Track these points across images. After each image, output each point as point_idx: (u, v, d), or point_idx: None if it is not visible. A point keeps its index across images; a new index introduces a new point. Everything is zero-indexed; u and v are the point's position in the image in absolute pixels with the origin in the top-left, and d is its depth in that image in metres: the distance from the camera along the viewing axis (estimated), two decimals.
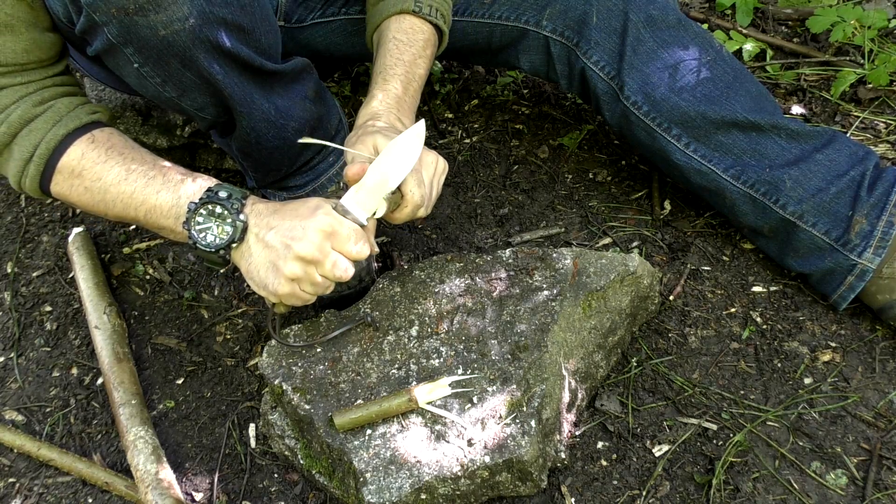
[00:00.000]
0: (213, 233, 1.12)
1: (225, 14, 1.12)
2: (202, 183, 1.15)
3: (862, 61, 1.90)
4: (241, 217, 1.12)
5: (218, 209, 1.12)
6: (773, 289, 1.50)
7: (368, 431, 1.19)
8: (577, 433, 1.32)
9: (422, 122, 1.17)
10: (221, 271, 1.61)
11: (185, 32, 1.10)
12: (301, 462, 1.27)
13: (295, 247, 1.09)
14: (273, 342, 1.30)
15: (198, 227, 1.13)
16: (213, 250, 1.13)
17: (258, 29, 1.19)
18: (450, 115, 1.93)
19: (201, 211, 1.12)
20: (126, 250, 1.69)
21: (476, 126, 1.89)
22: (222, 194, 1.12)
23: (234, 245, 1.13)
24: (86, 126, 1.19)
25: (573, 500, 1.24)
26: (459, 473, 1.14)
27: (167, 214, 1.16)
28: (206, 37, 1.12)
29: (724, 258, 1.56)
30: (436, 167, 1.24)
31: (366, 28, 1.42)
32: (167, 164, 1.19)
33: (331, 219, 1.10)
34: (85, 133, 1.19)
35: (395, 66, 1.31)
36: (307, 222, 1.10)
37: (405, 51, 1.33)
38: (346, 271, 1.12)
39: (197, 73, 1.17)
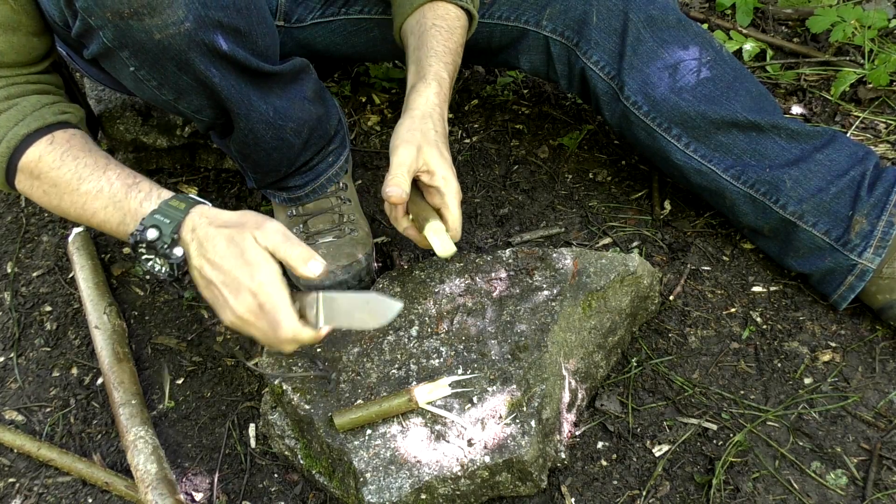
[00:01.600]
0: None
1: (221, 17, 1.12)
2: (142, 205, 1.13)
3: (862, 61, 1.90)
4: (177, 252, 1.11)
5: (151, 253, 1.12)
6: (773, 289, 1.50)
7: (368, 431, 1.19)
8: (577, 433, 1.32)
9: (400, 306, 1.12)
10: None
11: (180, 36, 1.10)
12: (301, 462, 1.27)
13: (231, 302, 1.08)
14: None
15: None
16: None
17: (255, 31, 1.19)
18: (450, 115, 1.93)
19: (140, 248, 1.12)
20: (126, 250, 1.69)
21: (476, 126, 1.90)
22: (151, 235, 1.10)
23: (181, 273, 1.13)
24: (49, 126, 1.19)
25: (573, 500, 1.24)
26: (459, 473, 1.14)
27: (117, 231, 1.16)
28: (202, 40, 1.12)
29: (724, 258, 1.56)
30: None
31: (393, 21, 1.42)
32: (113, 172, 1.16)
33: (266, 291, 1.06)
34: (46, 134, 1.18)
35: (445, 53, 1.32)
36: (244, 282, 1.06)
37: (449, 38, 1.34)
38: (283, 345, 1.10)
39: (193, 77, 1.17)
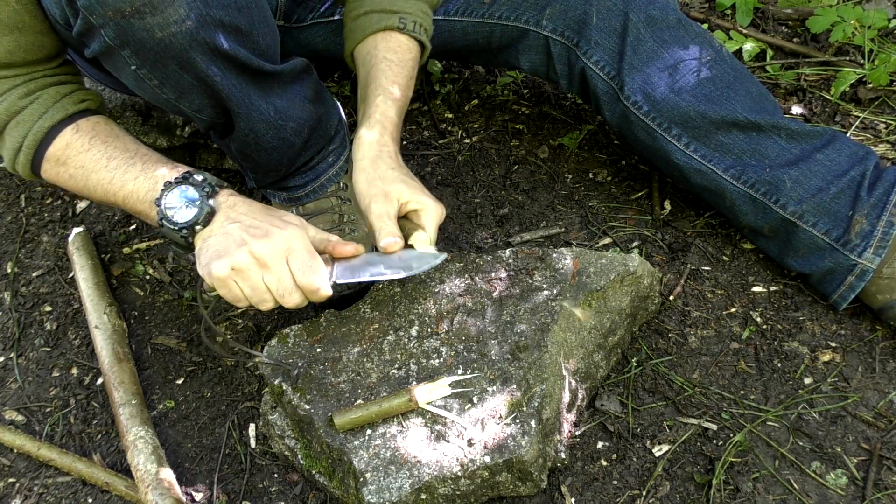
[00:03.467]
0: (180, 213, 1.15)
1: (222, 16, 1.12)
2: (181, 169, 1.19)
3: (862, 61, 1.90)
4: (211, 202, 1.16)
5: (190, 191, 1.15)
6: (773, 289, 1.50)
7: (368, 431, 1.19)
8: (577, 433, 1.32)
9: (444, 256, 1.25)
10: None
11: (182, 35, 1.10)
12: (301, 462, 1.27)
13: (251, 242, 1.11)
14: (273, 342, 1.30)
15: (168, 206, 1.15)
16: (176, 229, 1.15)
17: (256, 30, 1.19)
18: (450, 115, 1.93)
19: (174, 190, 1.15)
20: (126, 250, 1.69)
21: (476, 126, 1.90)
22: (198, 178, 1.16)
23: (198, 227, 1.16)
24: (72, 116, 1.24)
25: (573, 500, 1.24)
26: (459, 473, 1.14)
27: (143, 199, 1.19)
28: (204, 39, 1.12)
29: (724, 258, 1.56)
30: (443, 216, 1.32)
31: (345, 43, 1.42)
32: (149, 152, 1.23)
33: (301, 239, 1.14)
34: (70, 123, 1.23)
35: (392, 89, 1.33)
36: (275, 229, 1.13)
37: (399, 73, 1.35)
38: (291, 294, 1.14)
39: (194, 75, 1.17)
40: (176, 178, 1.16)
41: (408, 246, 1.26)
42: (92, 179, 1.22)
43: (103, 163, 1.21)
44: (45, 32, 1.20)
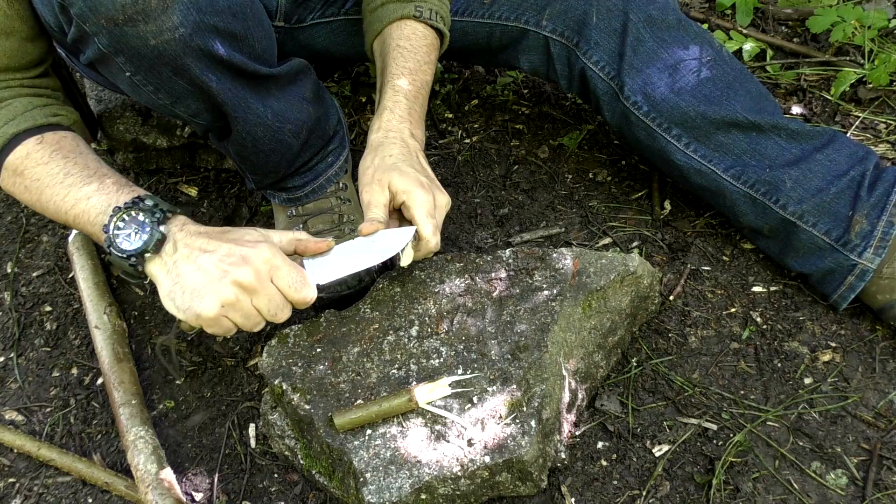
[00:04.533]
0: (128, 239, 1.09)
1: (216, 22, 1.11)
2: (134, 193, 1.14)
3: (862, 61, 1.90)
4: (161, 228, 1.10)
5: (140, 216, 1.10)
6: (773, 289, 1.50)
7: (368, 431, 1.19)
8: (577, 433, 1.32)
9: (413, 228, 1.20)
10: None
11: (175, 42, 1.09)
12: (301, 462, 1.27)
13: (233, 271, 1.06)
14: (273, 342, 1.30)
15: (116, 232, 1.10)
16: (124, 257, 1.09)
17: (251, 35, 1.19)
18: (450, 115, 1.93)
19: (123, 216, 1.10)
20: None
21: (476, 126, 1.89)
22: (148, 203, 1.11)
23: (147, 255, 1.09)
24: (40, 127, 1.20)
25: (573, 500, 1.24)
26: (459, 473, 1.14)
27: (94, 221, 1.14)
28: (198, 45, 1.11)
29: (724, 258, 1.56)
30: (446, 209, 1.28)
31: (365, 36, 1.42)
32: (109, 172, 1.18)
33: (276, 254, 1.10)
34: (36, 134, 1.19)
35: (401, 75, 1.31)
36: (249, 250, 1.08)
37: (410, 58, 1.33)
38: (283, 310, 1.11)
39: (189, 81, 1.16)
40: (125, 204, 1.10)
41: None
42: (46, 194, 1.17)
43: (59, 178, 1.16)
44: (31, 38, 1.19)
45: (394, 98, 1.30)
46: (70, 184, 1.16)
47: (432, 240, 1.22)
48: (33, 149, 1.18)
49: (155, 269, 1.11)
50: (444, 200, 1.27)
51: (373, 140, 1.29)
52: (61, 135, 1.22)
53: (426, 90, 1.36)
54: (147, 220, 1.10)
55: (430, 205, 1.23)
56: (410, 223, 1.24)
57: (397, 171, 1.23)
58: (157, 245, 1.09)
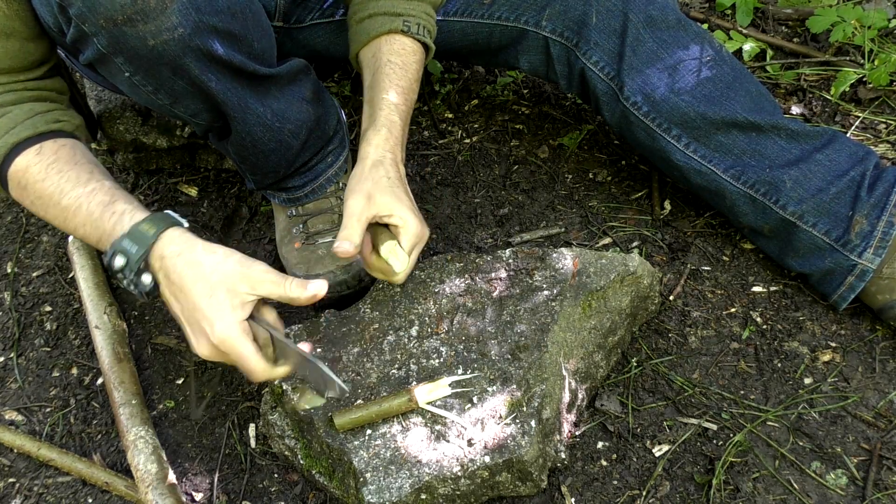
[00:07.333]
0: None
1: (216, 22, 1.11)
2: (115, 228, 1.11)
3: (862, 61, 1.89)
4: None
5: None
6: (773, 289, 1.50)
7: (368, 431, 1.19)
8: (577, 433, 1.32)
9: (343, 389, 1.11)
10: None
11: (174, 42, 1.09)
12: (301, 462, 1.27)
13: (192, 341, 1.09)
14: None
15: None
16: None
17: (250, 35, 1.19)
18: (450, 115, 1.93)
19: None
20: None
21: (476, 126, 1.90)
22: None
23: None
24: (40, 135, 1.19)
25: (573, 500, 1.24)
26: (459, 473, 1.14)
27: (97, 247, 1.17)
28: (197, 46, 1.11)
29: (724, 258, 1.56)
30: (425, 241, 1.27)
31: (350, 45, 1.39)
32: (93, 188, 1.16)
33: (229, 344, 1.06)
34: (36, 143, 1.18)
35: (396, 93, 1.30)
36: (206, 330, 1.06)
37: (402, 76, 1.32)
38: (251, 376, 1.10)
39: (189, 81, 1.16)
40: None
41: (375, 253, 1.23)
42: (50, 213, 1.19)
43: (56, 198, 1.16)
44: (31, 38, 1.18)
45: (390, 118, 1.28)
46: (65, 206, 1.16)
47: (407, 270, 1.23)
48: (32, 160, 1.18)
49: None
50: (427, 235, 1.27)
51: (369, 154, 1.25)
52: (60, 143, 1.20)
53: (412, 109, 1.36)
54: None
55: (418, 238, 1.24)
56: (385, 233, 1.23)
57: (393, 194, 1.21)
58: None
